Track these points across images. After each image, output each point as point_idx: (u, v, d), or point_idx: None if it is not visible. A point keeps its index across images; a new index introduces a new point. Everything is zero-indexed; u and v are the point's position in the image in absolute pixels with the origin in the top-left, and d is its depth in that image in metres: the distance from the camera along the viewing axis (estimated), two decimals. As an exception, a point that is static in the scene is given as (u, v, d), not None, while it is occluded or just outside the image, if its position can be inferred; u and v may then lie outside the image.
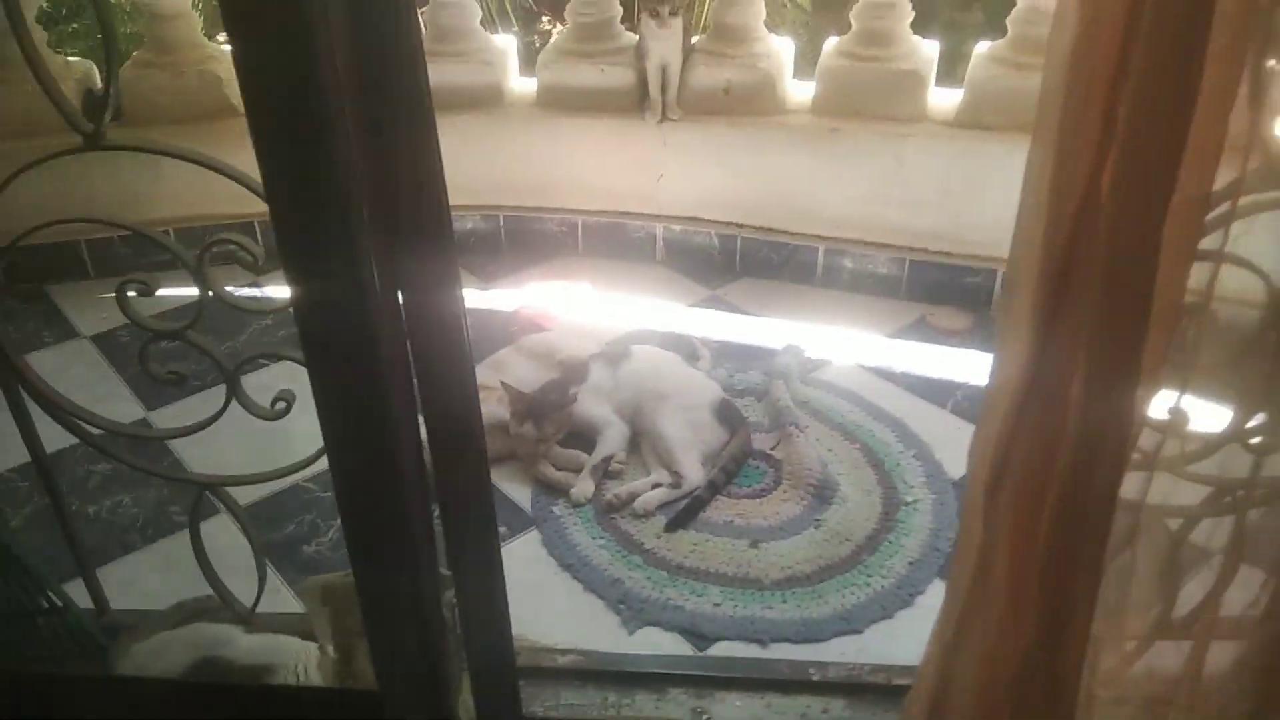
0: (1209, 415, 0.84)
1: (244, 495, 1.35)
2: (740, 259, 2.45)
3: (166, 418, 1.94)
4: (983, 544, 0.83)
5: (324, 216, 0.77)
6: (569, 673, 1.33)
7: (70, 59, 2.51)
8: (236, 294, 1.08)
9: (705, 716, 1.27)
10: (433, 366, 0.90)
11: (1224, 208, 0.73)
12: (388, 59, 0.77)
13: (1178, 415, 0.82)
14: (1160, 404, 0.79)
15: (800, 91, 2.45)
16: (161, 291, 1.05)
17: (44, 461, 1.24)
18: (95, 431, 1.19)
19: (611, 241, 2.54)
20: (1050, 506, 0.80)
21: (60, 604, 1.25)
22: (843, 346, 2.13)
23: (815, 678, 1.31)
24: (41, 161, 1.07)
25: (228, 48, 2.57)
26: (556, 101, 2.50)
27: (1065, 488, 0.78)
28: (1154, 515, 0.87)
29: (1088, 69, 0.62)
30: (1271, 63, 0.67)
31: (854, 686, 1.31)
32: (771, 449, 1.80)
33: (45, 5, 2.41)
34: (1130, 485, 0.79)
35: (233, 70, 2.44)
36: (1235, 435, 0.84)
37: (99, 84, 2.56)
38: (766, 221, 2.42)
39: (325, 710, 1.18)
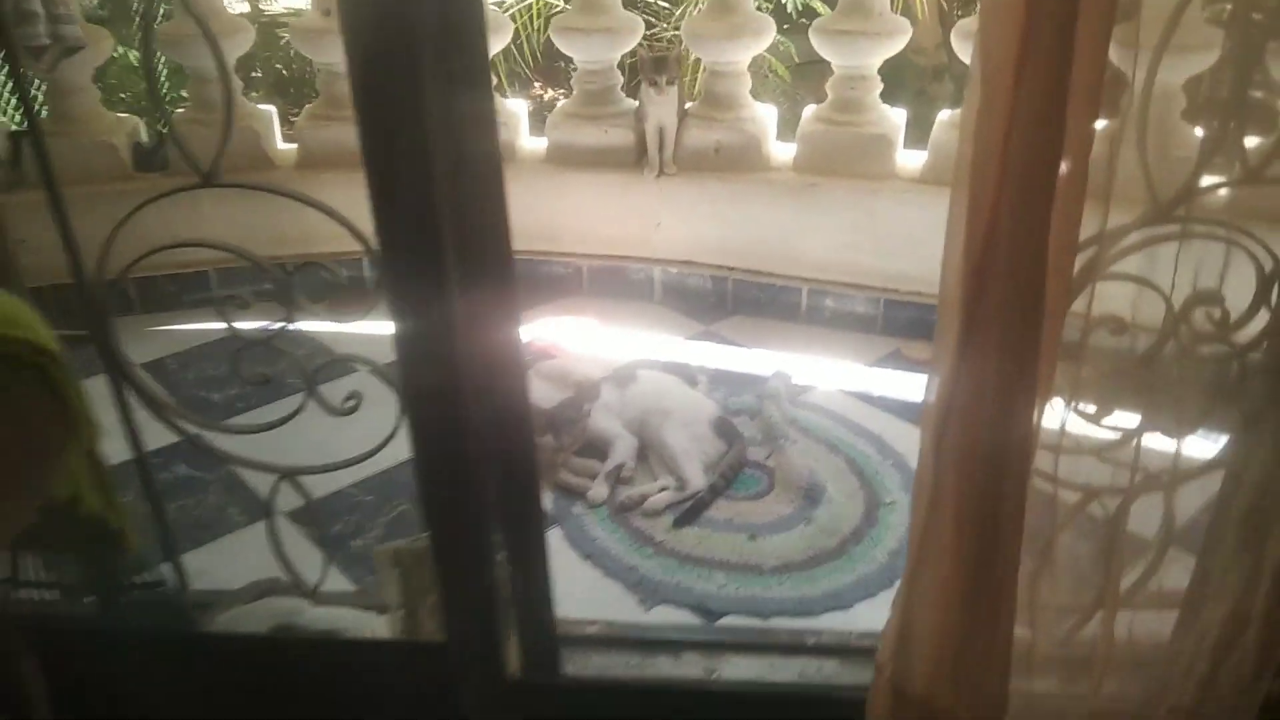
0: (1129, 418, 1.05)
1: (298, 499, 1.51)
2: (731, 298, 2.69)
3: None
4: (932, 487, 1.03)
5: (422, 256, 0.97)
6: (597, 640, 1.50)
7: (120, 115, 2.74)
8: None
9: (715, 674, 1.45)
10: (495, 378, 1.11)
11: (1133, 238, 0.95)
12: (469, 124, 0.99)
13: (1097, 413, 1.02)
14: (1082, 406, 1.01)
15: (782, 152, 2.72)
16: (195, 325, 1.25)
17: (145, 457, 1.43)
18: (191, 430, 1.38)
19: (613, 283, 2.77)
20: (977, 471, 1.00)
21: (156, 579, 1.43)
22: (826, 374, 2.36)
23: (810, 643, 1.49)
24: (163, 196, 1.27)
25: (262, 107, 2.81)
26: (564, 159, 2.75)
27: (987, 467, 0.99)
28: (1082, 498, 1.07)
29: (988, 131, 0.84)
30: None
31: (844, 650, 1.49)
32: (765, 459, 2.01)
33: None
34: (1045, 467, 0.99)
35: (266, 125, 2.72)
36: (1143, 430, 1.04)
37: (144, 137, 2.78)
38: (754, 265, 2.67)
39: (396, 659, 1.36)
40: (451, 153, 0.97)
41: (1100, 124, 0.86)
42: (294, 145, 2.81)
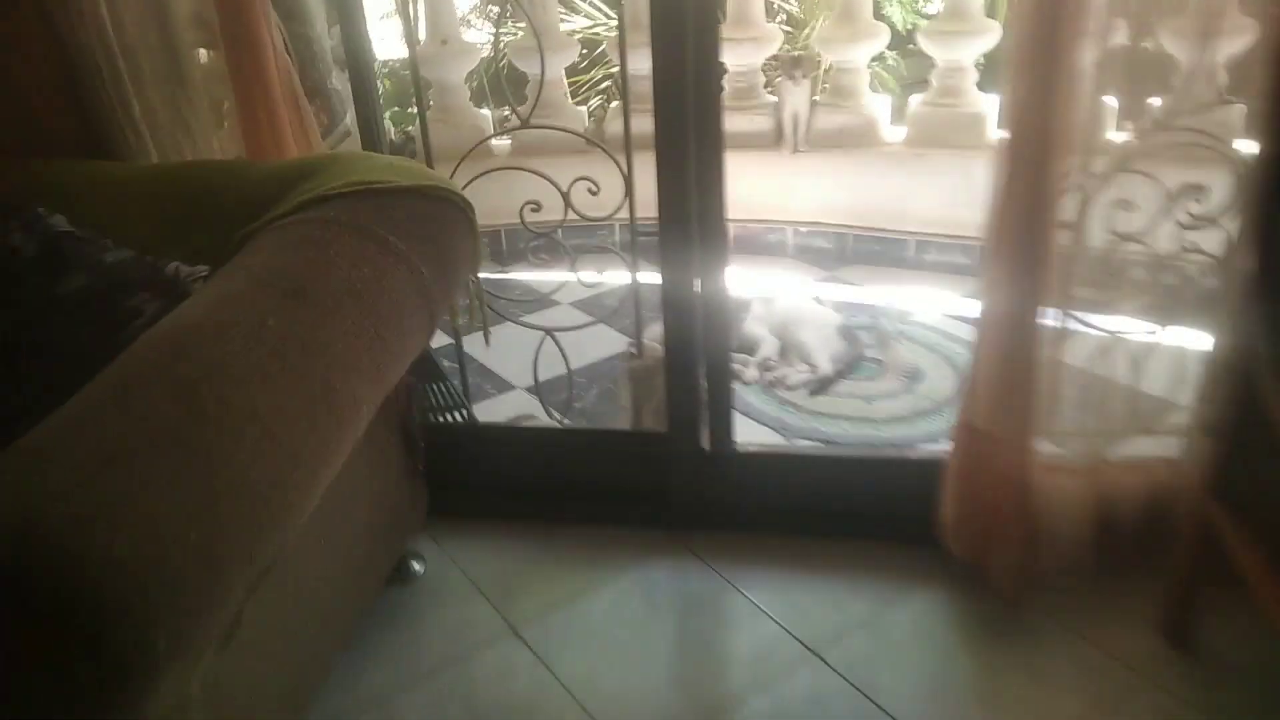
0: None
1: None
2: (851, 251, 3.25)
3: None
4: (980, 341, 1.58)
5: (691, 221, 1.65)
6: (758, 448, 2.09)
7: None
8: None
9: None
10: (711, 301, 1.75)
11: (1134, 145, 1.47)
12: (710, 124, 1.64)
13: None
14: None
15: (893, 134, 3.27)
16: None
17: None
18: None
19: (754, 242, 3.37)
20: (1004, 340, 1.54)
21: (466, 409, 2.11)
22: (928, 303, 2.89)
23: (910, 455, 2.05)
24: (481, 143, 1.95)
25: (483, 111, 3.55)
26: (716, 142, 3.37)
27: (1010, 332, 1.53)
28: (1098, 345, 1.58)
29: (1009, 113, 1.40)
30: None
31: (935, 458, 2.04)
32: (877, 355, 2.57)
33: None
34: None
35: (487, 122, 3.59)
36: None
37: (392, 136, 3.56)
38: (870, 223, 3.22)
39: (631, 442, 1.98)
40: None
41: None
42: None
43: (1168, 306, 1.58)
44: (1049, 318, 1.53)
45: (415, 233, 1.33)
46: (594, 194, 1.90)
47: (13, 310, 1.31)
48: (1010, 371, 1.60)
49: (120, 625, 0.76)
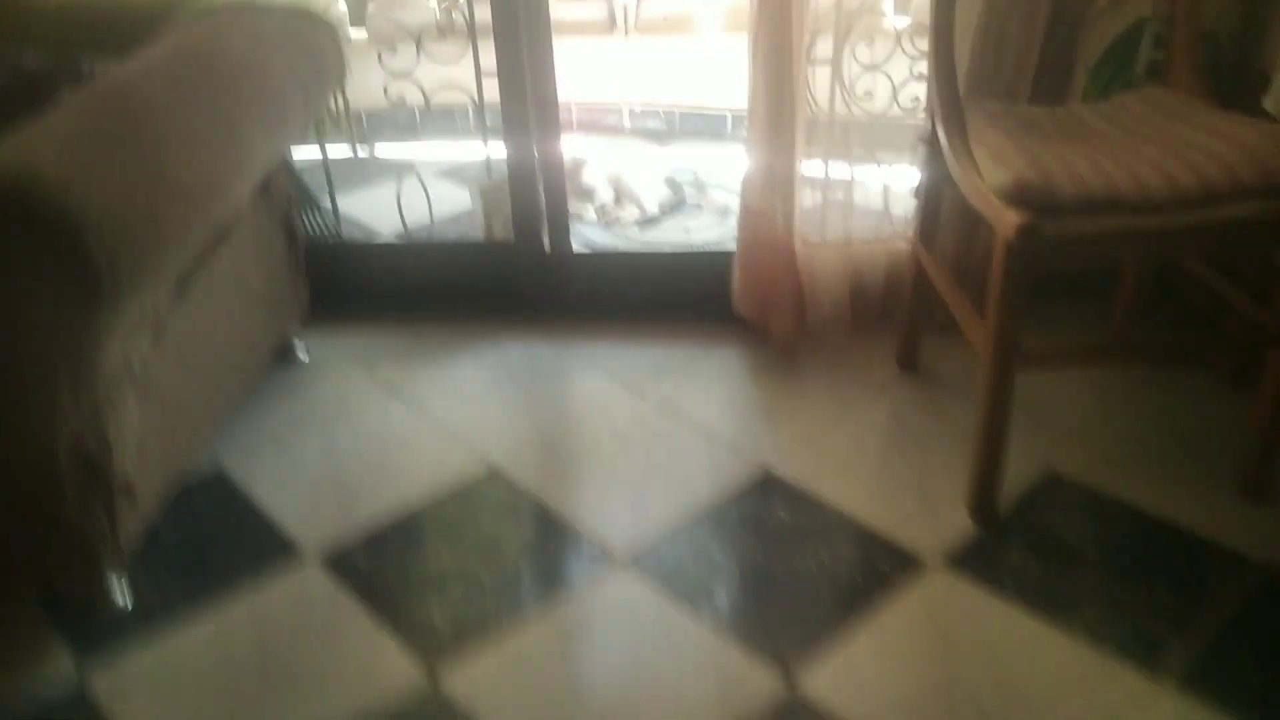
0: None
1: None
2: (679, 127, 3.62)
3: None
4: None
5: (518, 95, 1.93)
6: (588, 253, 2.45)
7: None
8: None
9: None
10: (544, 133, 2.06)
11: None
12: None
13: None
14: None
15: (711, 20, 3.63)
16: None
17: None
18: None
19: (594, 121, 3.68)
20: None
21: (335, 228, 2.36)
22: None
23: (709, 250, 2.45)
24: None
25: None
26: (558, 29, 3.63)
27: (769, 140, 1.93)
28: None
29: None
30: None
31: (729, 253, 2.44)
32: (695, 200, 2.96)
33: None
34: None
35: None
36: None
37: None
38: (700, 103, 3.59)
39: (484, 251, 2.30)
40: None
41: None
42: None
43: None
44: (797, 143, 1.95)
45: (292, 38, 1.58)
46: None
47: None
48: (770, 170, 2.00)
49: (98, 247, 1.04)
